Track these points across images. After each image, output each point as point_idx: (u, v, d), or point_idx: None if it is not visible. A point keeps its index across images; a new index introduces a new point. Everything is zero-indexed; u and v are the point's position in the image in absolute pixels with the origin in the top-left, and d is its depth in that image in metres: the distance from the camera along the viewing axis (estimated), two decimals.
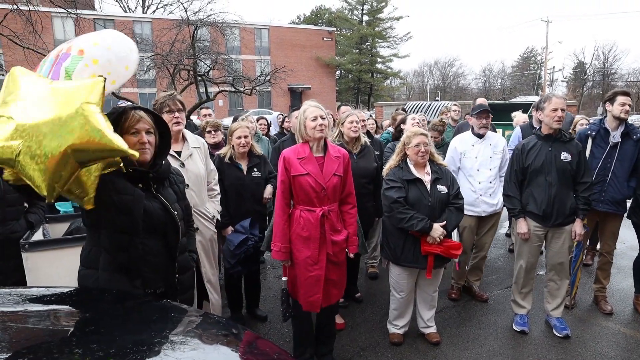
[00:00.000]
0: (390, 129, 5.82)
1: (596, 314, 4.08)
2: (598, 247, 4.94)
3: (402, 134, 3.98)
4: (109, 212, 1.93)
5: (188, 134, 3.32)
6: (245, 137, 3.73)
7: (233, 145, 3.76)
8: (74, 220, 3.70)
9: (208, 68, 16.75)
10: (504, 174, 4.23)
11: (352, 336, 3.71)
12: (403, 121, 4.54)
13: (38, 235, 3.42)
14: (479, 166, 4.13)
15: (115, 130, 1.88)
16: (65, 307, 1.83)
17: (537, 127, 5.47)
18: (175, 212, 2.14)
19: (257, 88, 17.67)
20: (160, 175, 2.16)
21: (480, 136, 4.18)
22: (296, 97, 40.42)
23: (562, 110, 3.36)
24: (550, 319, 3.78)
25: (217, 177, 3.75)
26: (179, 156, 3.12)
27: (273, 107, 36.52)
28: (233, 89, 17.58)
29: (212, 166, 3.68)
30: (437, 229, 3.21)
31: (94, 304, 1.83)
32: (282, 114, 7.90)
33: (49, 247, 3.06)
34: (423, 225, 3.18)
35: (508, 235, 6.42)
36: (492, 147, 4.17)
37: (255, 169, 3.82)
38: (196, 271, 2.85)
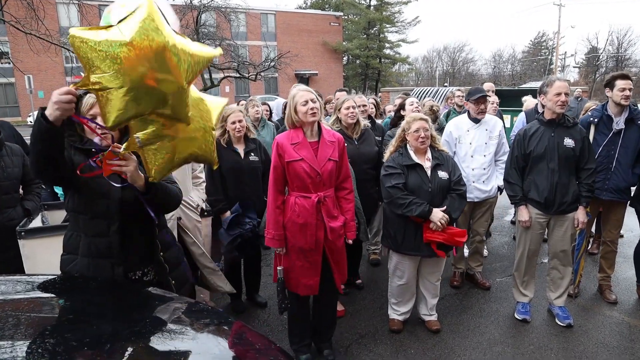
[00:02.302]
0: (392, 114, 5.72)
1: (600, 303, 4.02)
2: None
3: (402, 119, 3.91)
4: (87, 196, 1.92)
5: None
6: (240, 121, 3.67)
7: (228, 131, 3.71)
8: None
9: None
10: (500, 159, 4.16)
11: (352, 323, 3.69)
12: (402, 106, 4.45)
13: (37, 223, 3.41)
14: (473, 152, 4.06)
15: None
16: (51, 295, 1.82)
17: (541, 112, 5.39)
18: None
19: (262, 74, 17.53)
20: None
21: (477, 121, 4.09)
22: (303, 83, 39.98)
23: (566, 94, 3.25)
24: (553, 308, 3.72)
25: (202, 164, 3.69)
26: None
27: (280, 93, 36.33)
28: (238, 75, 17.45)
29: None
30: (437, 213, 3.15)
31: (77, 291, 1.81)
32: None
33: (45, 234, 3.05)
34: (422, 210, 3.12)
35: (513, 222, 6.33)
36: (488, 132, 4.09)
37: (252, 154, 3.77)
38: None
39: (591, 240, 5.16)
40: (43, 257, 3.06)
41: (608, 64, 51.57)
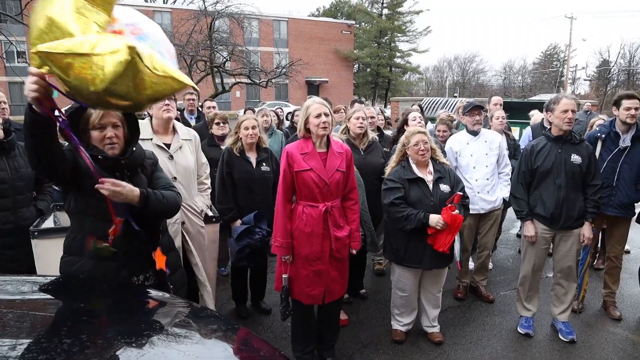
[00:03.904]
0: None
1: (604, 319, 4.01)
2: None
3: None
4: (94, 198, 1.93)
5: (179, 125, 3.30)
6: (253, 127, 3.72)
7: (241, 137, 3.76)
8: None
9: (224, 59, 16.83)
10: (502, 171, 4.20)
11: (354, 332, 3.72)
12: (406, 121, 4.49)
13: (49, 223, 3.49)
14: (475, 163, 4.11)
15: (82, 125, 1.99)
16: (60, 297, 1.88)
17: (548, 128, 5.40)
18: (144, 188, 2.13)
19: (272, 80, 17.68)
20: (133, 163, 2.15)
21: (475, 133, 4.14)
22: (313, 90, 40.35)
23: (573, 111, 3.28)
24: (556, 323, 3.73)
25: (208, 170, 3.73)
26: (168, 148, 3.09)
27: (290, 99, 36.56)
28: (249, 81, 17.62)
29: (204, 159, 3.67)
30: (434, 217, 3.15)
31: (82, 294, 1.87)
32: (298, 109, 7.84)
33: (58, 235, 3.10)
34: (417, 220, 3.13)
35: (519, 236, 6.32)
36: (488, 143, 4.14)
37: (264, 163, 3.81)
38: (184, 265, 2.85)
39: (597, 255, 5.15)
40: (55, 257, 3.11)
41: (619, 77, 51.26)
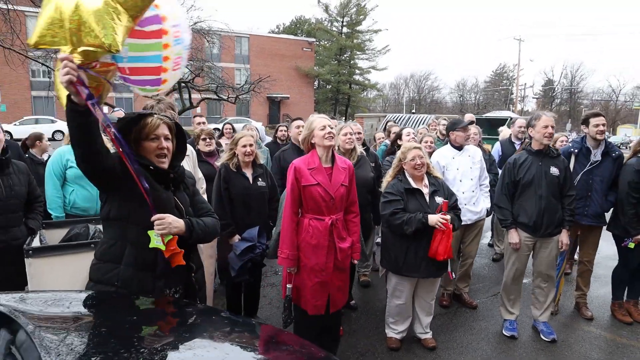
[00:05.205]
0: (387, 141, 5.98)
1: (578, 319, 4.32)
2: (576, 256, 5.22)
3: (399, 148, 4.15)
4: (137, 205, 1.96)
5: None
6: (251, 145, 3.79)
7: (237, 154, 3.82)
8: (72, 226, 3.68)
9: (193, 75, 16.69)
10: (483, 183, 4.46)
11: (351, 342, 3.81)
12: (399, 136, 4.71)
13: (35, 242, 3.40)
14: (462, 177, 4.34)
15: (134, 135, 2.04)
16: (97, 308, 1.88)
17: (518, 142, 5.78)
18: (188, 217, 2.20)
19: (240, 97, 17.70)
20: (179, 178, 2.21)
21: (460, 148, 4.39)
22: (275, 107, 40.52)
23: (552, 127, 3.60)
24: (538, 324, 3.98)
25: (204, 186, 3.77)
26: None
27: (251, 115, 36.50)
28: (216, 97, 17.54)
29: (200, 174, 3.70)
30: (433, 217, 3.32)
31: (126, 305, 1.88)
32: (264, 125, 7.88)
33: (52, 253, 3.05)
34: (417, 221, 3.29)
35: (490, 245, 6.67)
36: (471, 157, 4.40)
37: (260, 179, 3.88)
38: None
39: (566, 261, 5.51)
40: (50, 275, 3.06)
41: (563, 95, 54.84)
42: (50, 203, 3.77)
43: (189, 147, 3.49)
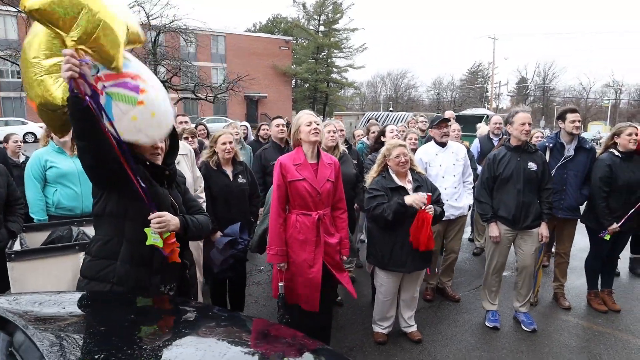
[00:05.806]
0: (365, 139, 6.04)
1: (556, 309, 4.47)
2: (553, 249, 5.40)
3: (382, 145, 4.22)
4: (136, 201, 1.95)
5: None
6: (230, 142, 3.81)
7: (217, 152, 3.83)
8: (54, 229, 3.62)
9: (170, 75, 16.48)
10: (466, 180, 4.57)
11: (338, 337, 3.85)
12: (382, 133, 4.78)
13: (15, 245, 3.33)
14: (444, 173, 4.42)
15: None
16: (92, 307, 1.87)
17: (496, 139, 5.93)
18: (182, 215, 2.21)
19: (218, 96, 17.56)
20: (173, 175, 2.23)
21: (443, 145, 4.48)
22: (252, 106, 40.29)
23: (529, 124, 3.72)
24: (518, 315, 4.11)
25: (202, 184, 3.79)
26: None
27: (229, 115, 36.18)
28: (194, 96, 17.37)
29: (199, 173, 3.72)
30: (409, 197, 3.36)
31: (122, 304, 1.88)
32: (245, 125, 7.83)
33: (34, 257, 3.00)
34: (395, 204, 3.32)
35: (471, 240, 6.81)
36: (454, 154, 4.49)
37: (240, 176, 3.90)
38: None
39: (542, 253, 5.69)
40: (31, 279, 3.01)
41: (536, 93, 56.22)
42: (32, 207, 3.70)
43: (187, 146, 3.49)
